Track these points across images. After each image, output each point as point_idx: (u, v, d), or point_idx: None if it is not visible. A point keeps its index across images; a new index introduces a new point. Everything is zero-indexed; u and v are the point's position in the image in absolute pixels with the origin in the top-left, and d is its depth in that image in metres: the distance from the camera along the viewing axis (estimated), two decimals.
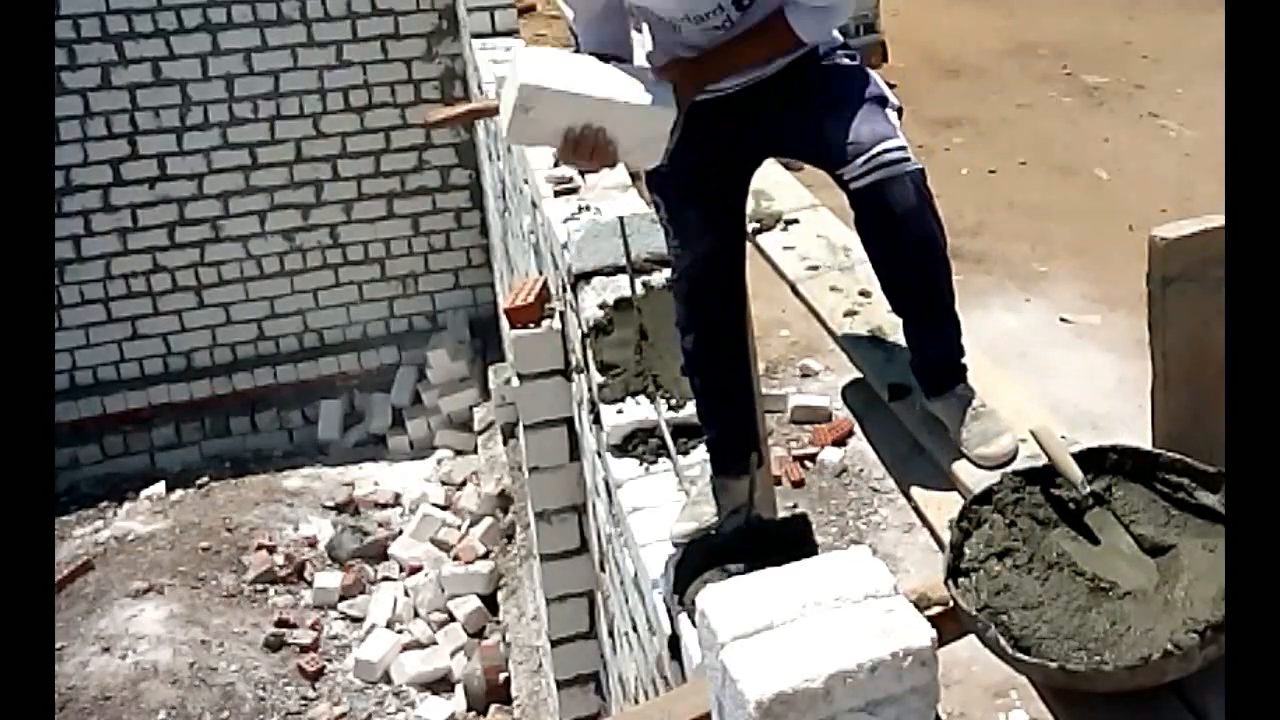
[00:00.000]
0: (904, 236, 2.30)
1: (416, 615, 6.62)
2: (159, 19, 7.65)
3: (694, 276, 2.48)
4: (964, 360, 2.51)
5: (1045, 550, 1.97)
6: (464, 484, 7.57)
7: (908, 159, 2.28)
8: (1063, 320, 6.05)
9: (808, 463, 5.31)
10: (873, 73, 2.47)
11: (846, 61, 2.44)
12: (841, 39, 2.49)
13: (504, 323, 4.58)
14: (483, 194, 8.10)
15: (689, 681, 2.24)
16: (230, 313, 8.26)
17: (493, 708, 5.84)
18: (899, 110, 2.43)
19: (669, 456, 2.86)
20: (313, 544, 7.22)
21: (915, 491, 2.59)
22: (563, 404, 3.93)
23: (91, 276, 7.96)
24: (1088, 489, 2.01)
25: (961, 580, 1.93)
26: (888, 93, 2.42)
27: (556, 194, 3.93)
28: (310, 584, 6.88)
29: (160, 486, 7.75)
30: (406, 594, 6.73)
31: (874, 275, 2.50)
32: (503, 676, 5.81)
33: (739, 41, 2.33)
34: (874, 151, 2.24)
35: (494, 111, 5.59)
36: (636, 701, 3.22)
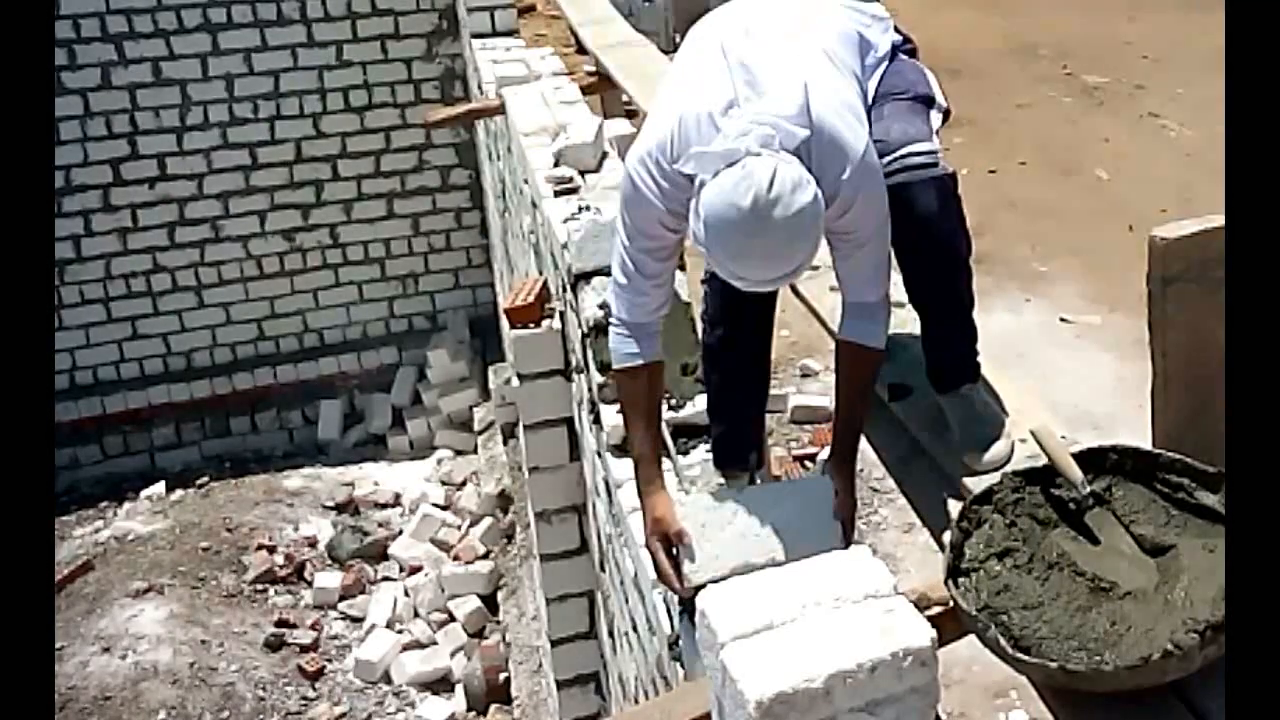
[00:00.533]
0: (923, 240, 2.30)
1: (416, 615, 6.62)
2: (159, 19, 7.65)
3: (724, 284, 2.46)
4: (976, 363, 2.52)
5: (1045, 550, 1.97)
6: (464, 484, 7.57)
7: (934, 164, 2.26)
8: (1063, 320, 6.05)
9: (808, 463, 5.30)
10: (926, 70, 2.45)
11: (903, 58, 2.41)
12: (903, 37, 2.46)
13: (504, 323, 4.58)
14: (483, 194, 8.09)
15: (689, 681, 2.24)
16: (230, 313, 8.26)
17: (493, 708, 5.84)
18: (946, 112, 2.41)
19: (669, 456, 2.85)
20: (313, 544, 7.22)
21: (915, 491, 2.60)
22: (563, 404, 3.93)
23: (91, 276, 7.96)
24: (1088, 489, 2.02)
25: (961, 580, 1.93)
26: (936, 93, 2.40)
27: (556, 194, 3.92)
28: (310, 584, 6.88)
29: (160, 486, 7.75)
30: (406, 594, 6.73)
31: None
32: (503, 676, 5.80)
33: (842, 403, 2.27)
34: (900, 153, 2.24)
35: (494, 111, 5.59)
36: (636, 701, 3.21)
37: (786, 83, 2.04)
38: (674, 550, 2.17)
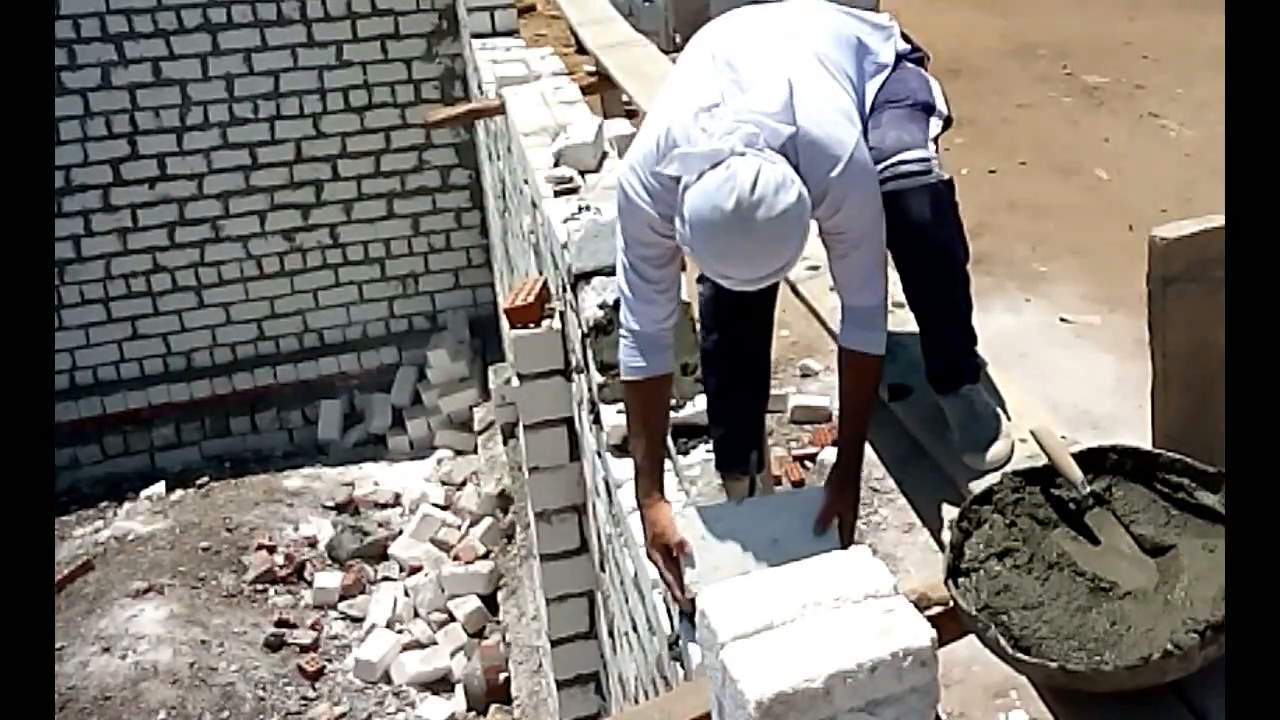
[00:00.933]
0: (917, 247, 2.30)
1: (416, 615, 6.62)
2: (159, 19, 7.65)
3: (723, 293, 2.45)
4: (974, 364, 2.51)
5: (1045, 550, 1.97)
6: (464, 484, 7.57)
7: (927, 171, 2.24)
8: (1063, 320, 6.06)
9: (808, 463, 5.32)
10: (931, 79, 2.44)
11: (908, 66, 2.40)
12: (911, 46, 2.45)
13: (504, 323, 4.58)
14: (483, 194, 8.09)
15: (689, 681, 2.24)
16: (230, 313, 8.26)
17: (493, 708, 5.84)
18: (947, 120, 2.40)
19: (669, 456, 2.85)
20: (313, 544, 7.21)
21: (915, 491, 2.60)
22: (563, 404, 3.93)
23: (91, 276, 7.96)
24: (1088, 489, 2.02)
25: (961, 580, 1.93)
26: (938, 100, 2.38)
27: (556, 194, 3.92)
28: (310, 584, 6.88)
29: (160, 486, 7.75)
30: (406, 594, 6.73)
31: None
32: (503, 676, 5.81)
33: (846, 410, 2.28)
34: (892, 160, 2.21)
35: (494, 111, 5.59)
36: (636, 701, 3.21)
37: (770, 80, 2.04)
38: (676, 559, 2.18)
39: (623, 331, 2.26)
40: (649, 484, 2.26)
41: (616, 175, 2.19)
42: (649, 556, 2.24)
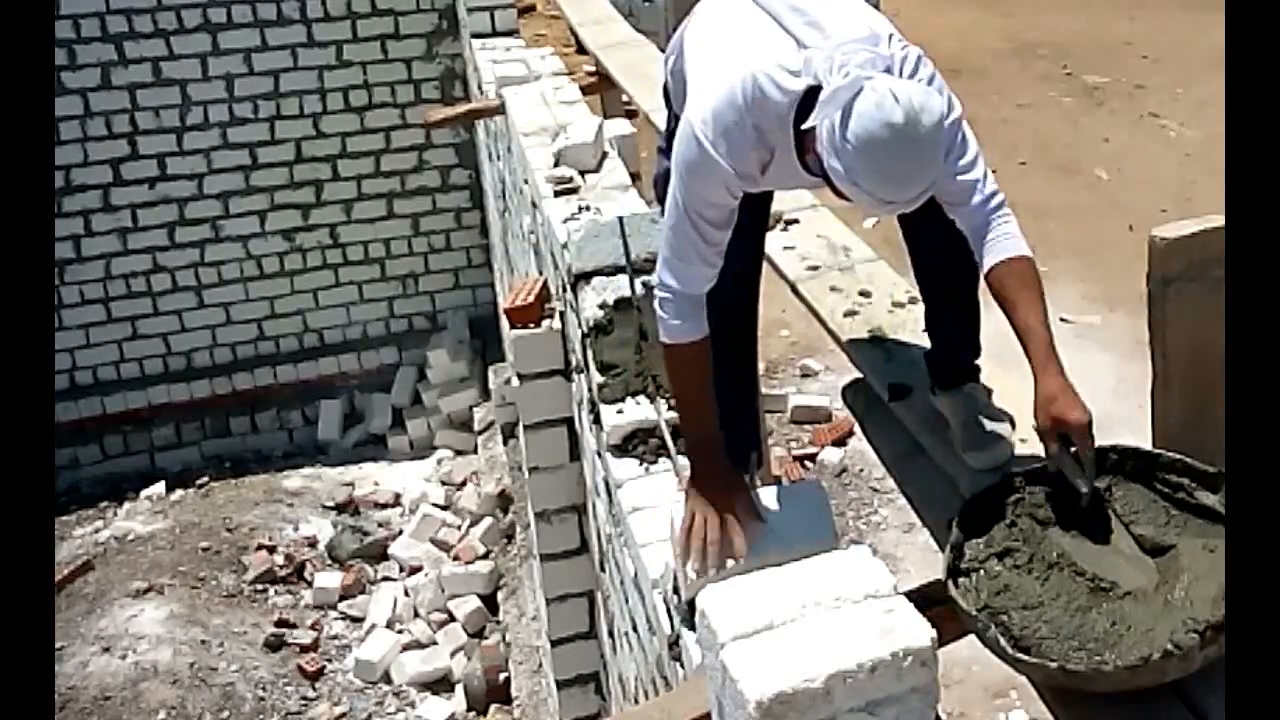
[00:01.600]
0: (942, 233, 2.30)
1: (416, 615, 6.62)
2: (159, 19, 7.65)
3: (713, 295, 2.44)
4: (977, 363, 2.52)
5: (1045, 550, 1.97)
6: (464, 484, 7.57)
7: None
8: (1063, 320, 6.05)
9: (808, 463, 5.31)
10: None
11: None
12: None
13: (504, 323, 4.58)
14: (483, 194, 8.10)
15: (689, 681, 2.24)
16: (230, 313, 8.26)
17: (493, 708, 5.84)
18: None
19: (669, 456, 2.85)
20: (313, 544, 7.22)
21: (915, 491, 2.60)
22: (563, 404, 3.93)
23: (91, 276, 7.95)
24: (1088, 489, 2.01)
25: (961, 580, 1.93)
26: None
27: (556, 194, 3.93)
28: (310, 584, 6.88)
29: (160, 486, 7.75)
30: (406, 594, 6.73)
31: (874, 275, 2.50)
32: (503, 676, 5.81)
33: (1023, 315, 2.22)
34: None
35: (494, 111, 5.59)
36: (636, 701, 3.21)
37: (845, 16, 2.08)
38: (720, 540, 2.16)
39: (662, 293, 2.22)
40: (711, 449, 2.27)
41: (687, 129, 2.13)
42: (697, 519, 2.18)
